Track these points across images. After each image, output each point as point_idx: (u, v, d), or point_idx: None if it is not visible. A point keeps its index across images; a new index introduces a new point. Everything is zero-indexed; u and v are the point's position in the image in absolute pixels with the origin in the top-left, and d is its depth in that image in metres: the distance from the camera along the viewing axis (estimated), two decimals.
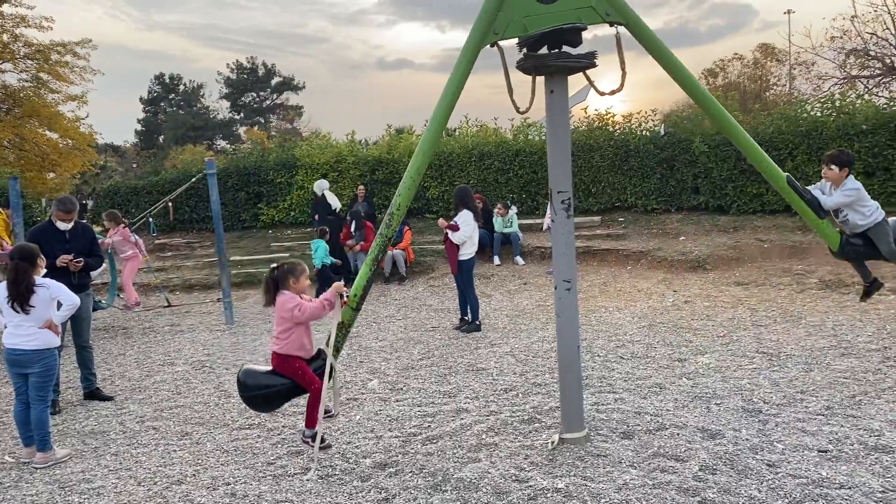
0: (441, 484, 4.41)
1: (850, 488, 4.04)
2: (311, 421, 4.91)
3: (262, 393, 4.73)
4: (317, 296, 6.96)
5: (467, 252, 8.88)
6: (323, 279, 11.49)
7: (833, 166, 5.29)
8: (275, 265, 4.97)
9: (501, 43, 4.65)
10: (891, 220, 5.32)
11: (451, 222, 8.85)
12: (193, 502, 4.41)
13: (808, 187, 5.32)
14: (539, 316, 9.47)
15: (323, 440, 4.90)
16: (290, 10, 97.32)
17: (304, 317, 4.66)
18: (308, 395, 4.85)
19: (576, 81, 4.92)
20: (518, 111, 4.94)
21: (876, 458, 4.42)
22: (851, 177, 5.30)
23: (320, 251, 11.80)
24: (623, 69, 4.64)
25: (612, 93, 4.74)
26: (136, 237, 10.61)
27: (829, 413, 5.27)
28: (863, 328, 7.71)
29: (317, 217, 15.02)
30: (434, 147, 4.78)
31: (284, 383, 4.75)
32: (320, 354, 4.86)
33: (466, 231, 8.80)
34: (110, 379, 7.55)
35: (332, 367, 4.74)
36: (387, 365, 7.46)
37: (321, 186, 15.06)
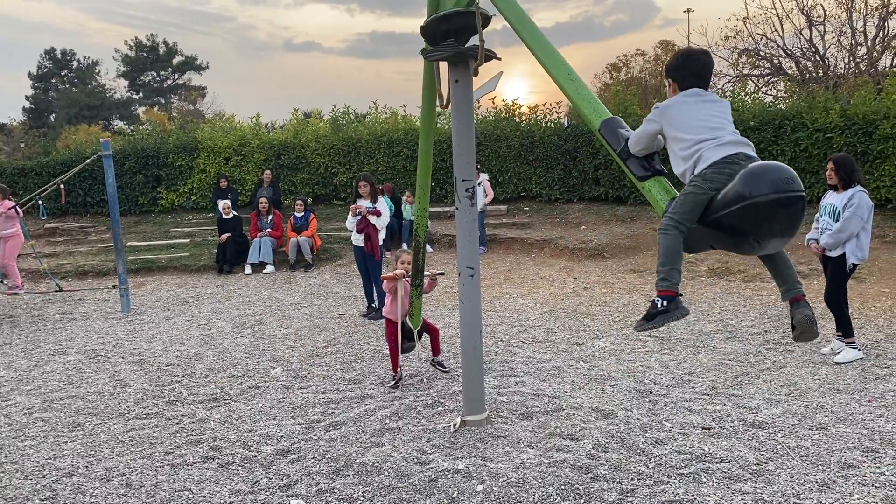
0: (343, 469, 4.44)
1: (729, 462, 4.33)
2: (392, 367, 6.27)
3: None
4: None
5: (379, 238, 8.88)
6: None
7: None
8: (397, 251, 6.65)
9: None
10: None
11: (374, 207, 8.76)
12: (85, 495, 4.27)
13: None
14: (446, 302, 9.59)
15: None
16: None
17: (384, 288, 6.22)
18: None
19: (485, 72, 5.00)
20: (442, 105, 4.93)
21: (753, 434, 4.74)
22: (683, 94, 3.33)
23: None
24: (481, 40, 4.36)
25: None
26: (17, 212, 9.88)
27: (713, 393, 5.60)
28: (746, 313, 8.20)
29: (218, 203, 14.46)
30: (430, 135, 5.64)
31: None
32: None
33: (387, 216, 8.88)
34: None
35: (406, 327, 6.12)
36: (291, 353, 7.39)
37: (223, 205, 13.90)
